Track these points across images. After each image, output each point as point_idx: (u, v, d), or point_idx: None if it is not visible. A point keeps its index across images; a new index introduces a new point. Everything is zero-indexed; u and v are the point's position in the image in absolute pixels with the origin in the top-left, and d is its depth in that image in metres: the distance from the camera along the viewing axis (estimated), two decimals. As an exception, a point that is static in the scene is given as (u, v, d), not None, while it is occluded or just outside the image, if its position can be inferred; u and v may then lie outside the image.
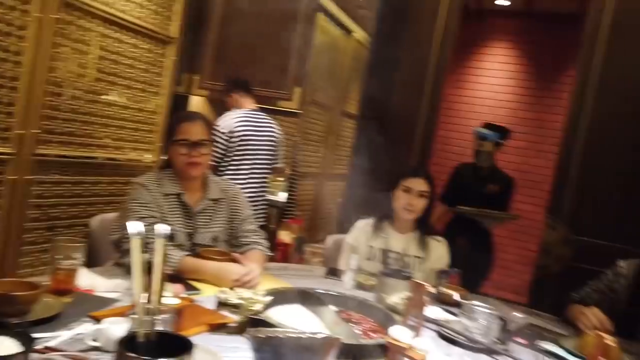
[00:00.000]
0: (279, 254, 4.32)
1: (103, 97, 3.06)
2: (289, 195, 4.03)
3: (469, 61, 5.62)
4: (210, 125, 1.89)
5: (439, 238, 2.20)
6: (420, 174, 2.16)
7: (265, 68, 3.96)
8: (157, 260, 0.86)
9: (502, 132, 3.46)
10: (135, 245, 0.82)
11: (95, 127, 3.05)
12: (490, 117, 5.52)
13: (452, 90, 5.65)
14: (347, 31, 5.12)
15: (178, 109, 4.08)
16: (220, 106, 4.56)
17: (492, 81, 5.57)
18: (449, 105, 5.64)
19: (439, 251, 2.16)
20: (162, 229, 0.86)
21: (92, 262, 1.99)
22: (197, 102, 4.35)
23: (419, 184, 2.11)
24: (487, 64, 5.58)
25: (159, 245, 0.85)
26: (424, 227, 2.17)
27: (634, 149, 3.11)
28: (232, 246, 1.91)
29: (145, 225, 1.63)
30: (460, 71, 5.63)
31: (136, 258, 0.82)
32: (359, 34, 5.37)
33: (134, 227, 0.82)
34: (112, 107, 3.14)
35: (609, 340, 0.93)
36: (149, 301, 0.93)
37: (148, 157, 3.44)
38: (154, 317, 0.86)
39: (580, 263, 3.05)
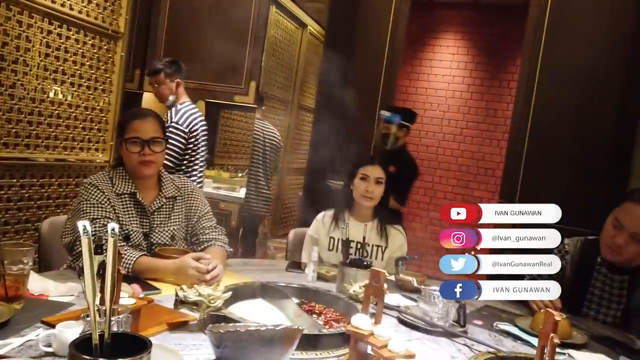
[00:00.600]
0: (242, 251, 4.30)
1: (49, 96, 2.93)
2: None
3: (422, 53, 5.73)
4: (162, 123, 1.84)
5: (398, 227, 2.24)
6: (376, 162, 2.21)
7: (219, 62, 3.90)
8: (110, 259, 0.84)
9: (407, 115, 3.46)
10: (85, 245, 0.79)
11: (42, 127, 2.93)
12: (444, 107, 5.67)
13: (406, 81, 5.75)
14: (301, 24, 5.12)
15: (130, 106, 3.97)
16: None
17: (444, 72, 5.70)
18: (404, 97, 5.74)
19: (398, 239, 2.21)
20: (113, 227, 0.83)
21: (44, 266, 1.92)
22: (149, 99, 4.24)
23: (375, 171, 2.16)
24: (439, 55, 5.71)
25: (110, 244, 0.83)
26: (382, 215, 2.22)
27: (576, 134, 3.27)
28: (191, 244, 1.88)
29: (98, 227, 1.61)
30: (414, 63, 5.73)
31: (87, 258, 0.79)
32: (313, 27, 5.37)
33: (83, 226, 0.79)
34: (60, 106, 3.02)
35: (558, 316, 0.98)
36: (102, 303, 0.90)
37: (100, 157, 3.32)
38: (109, 319, 0.84)
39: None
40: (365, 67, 3.92)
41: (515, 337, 1.49)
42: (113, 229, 0.84)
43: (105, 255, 0.86)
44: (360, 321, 1.12)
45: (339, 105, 3.88)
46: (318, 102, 4.38)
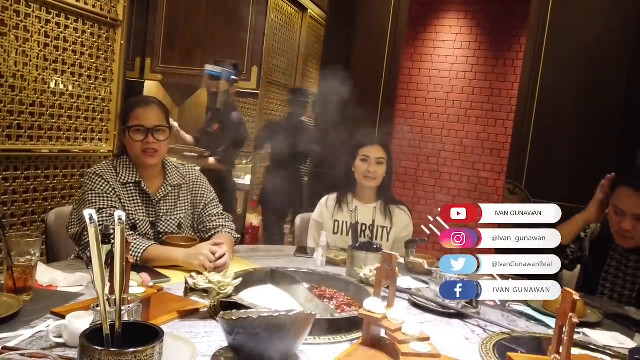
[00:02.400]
0: (249, 237, 4.30)
1: (50, 86, 2.90)
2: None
3: (424, 33, 5.64)
4: (167, 110, 1.81)
5: (402, 207, 2.23)
6: (376, 142, 2.20)
7: (220, 48, 3.86)
8: (118, 248, 0.82)
9: (232, 68, 3.28)
10: (92, 235, 0.77)
11: (44, 119, 2.91)
12: (447, 89, 5.60)
13: (409, 63, 5.67)
14: (302, 8, 5.04)
15: (132, 94, 3.94)
16: (181, 90, 4.44)
17: (448, 52, 5.61)
18: (407, 79, 5.67)
19: (404, 219, 2.19)
20: (120, 215, 0.81)
21: (52, 257, 1.91)
22: (151, 87, 4.21)
23: (376, 151, 2.15)
24: (442, 36, 5.62)
25: (118, 232, 0.81)
26: (386, 195, 2.21)
27: (584, 112, 3.22)
28: (198, 232, 1.87)
29: (105, 216, 1.59)
30: (416, 44, 5.65)
31: (95, 248, 0.78)
32: (313, 10, 5.30)
33: (90, 215, 0.77)
34: (61, 96, 3.00)
35: (576, 295, 0.96)
36: (112, 292, 0.89)
37: (104, 147, 3.31)
38: (119, 308, 0.82)
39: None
40: (368, 49, 3.87)
41: (529, 317, 1.47)
42: (120, 217, 0.82)
43: (113, 245, 0.84)
44: (373, 305, 1.11)
45: (341, 89, 3.84)
46: (321, 85, 4.33)
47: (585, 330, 1.40)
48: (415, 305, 1.47)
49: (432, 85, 5.65)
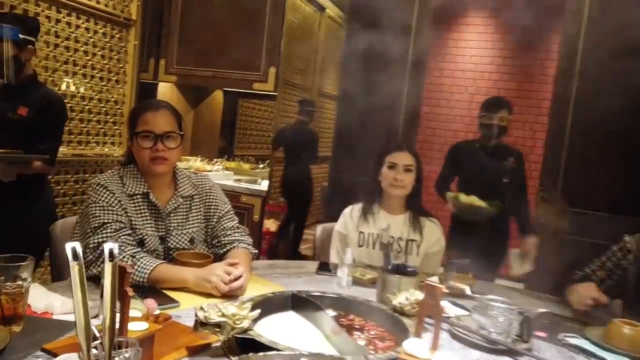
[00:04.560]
0: (266, 242, 4.15)
1: (60, 88, 2.79)
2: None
3: (447, 32, 5.44)
4: (178, 115, 1.65)
5: (433, 219, 2.05)
6: (404, 148, 2.04)
7: (236, 48, 3.71)
8: (108, 286, 0.66)
9: (26, 26, 2.18)
10: (75, 274, 0.62)
11: (54, 122, 2.79)
12: (472, 90, 5.39)
13: (432, 64, 5.47)
14: (320, 8, 4.88)
15: (146, 97, 3.81)
16: (196, 93, 4.32)
17: (472, 52, 5.41)
18: (429, 79, 5.47)
19: (434, 233, 2.01)
20: (110, 248, 0.66)
21: (57, 272, 1.77)
22: (165, 89, 4.08)
23: (404, 158, 1.98)
24: (466, 35, 5.42)
25: (108, 270, 0.65)
26: (415, 206, 2.03)
27: (623, 115, 2.98)
28: (212, 247, 1.71)
29: (110, 232, 1.44)
30: (439, 44, 5.45)
31: (79, 290, 0.62)
32: (331, 10, 5.14)
33: (72, 248, 0.62)
34: (72, 99, 2.88)
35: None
36: (102, 337, 0.73)
37: (117, 151, 3.19)
38: (111, 358, 0.66)
39: (575, 235, 2.95)
40: (390, 49, 3.68)
41: (589, 354, 1.28)
42: (111, 251, 0.66)
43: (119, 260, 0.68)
44: (415, 347, 0.93)
45: (363, 90, 3.66)
46: (341, 88, 4.17)
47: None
48: (456, 337, 1.28)
49: (456, 87, 5.45)
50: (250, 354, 0.87)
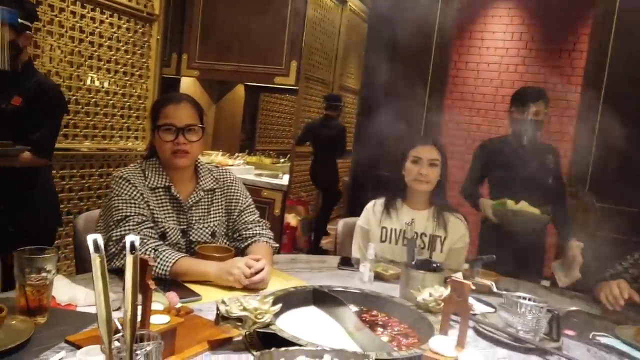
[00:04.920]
0: (287, 237, 4.15)
1: (85, 83, 2.82)
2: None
3: (472, 24, 5.33)
4: (200, 109, 1.65)
5: (458, 215, 2.00)
6: (428, 142, 1.99)
7: (258, 43, 3.70)
8: (129, 279, 0.65)
9: (23, 8, 1.98)
10: (96, 265, 0.61)
11: (79, 117, 2.83)
12: (496, 83, 5.28)
13: (455, 56, 5.38)
14: (341, 1, 4.84)
15: (168, 91, 3.84)
16: (218, 87, 4.33)
17: (497, 44, 5.29)
18: (453, 72, 5.38)
19: (460, 229, 1.97)
20: (132, 240, 0.65)
21: (80, 265, 1.79)
22: (188, 84, 4.11)
23: (428, 152, 1.93)
24: (491, 27, 5.30)
25: (130, 261, 0.64)
26: (440, 202, 1.98)
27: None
28: (233, 240, 1.70)
29: (132, 225, 1.45)
30: (463, 36, 5.35)
31: (99, 281, 0.61)
32: (353, 3, 5.09)
33: (93, 240, 0.61)
34: (97, 93, 2.91)
35: None
36: (124, 330, 0.72)
37: (140, 145, 3.22)
38: (131, 353, 0.66)
39: (604, 232, 2.86)
40: (413, 43, 3.62)
41: (621, 354, 1.23)
42: (132, 244, 0.65)
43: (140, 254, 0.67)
44: (441, 345, 0.91)
45: (385, 84, 3.62)
46: (363, 83, 4.13)
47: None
48: (482, 334, 1.25)
49: (480, 80, 5.34)
50: (272, 349, 0.86)
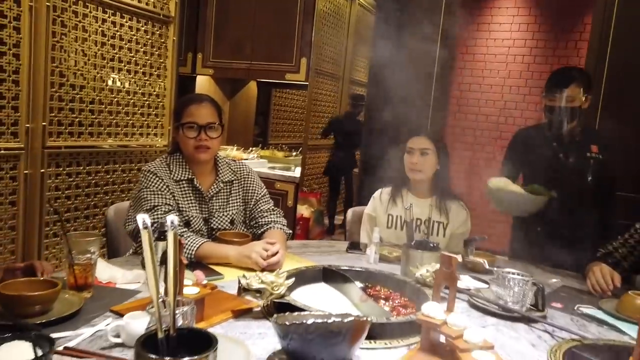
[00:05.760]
0: (300, 228, 4.31)
1: (107, 84, 3.00)
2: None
3: (479, 17, 5.41)
4: (219, 108, 1.81)
5: (460, 202, 2.14)
6: (420, 133, 2.13)
7: (269, 41, 3.85)
8: (171, 252, 0.81)
9: None
10: (145, 239, 0.77)
11: (103, 115, 3.01)
12: (504, 74, 5.36)
13: (463, 48, 5.46)
14: (350, -4, 4.94)
15: (185, 89, 4.01)
16: (231, 84, 4.49)
17: (504, 35, 5.36)
18: (461, 64, 5.47)
19: (461, 215, 2.10)
20: (172, 219, 0.80)
21: (112, 251, 1.98)
22: (203, 82, 4.27)
23: (420, 142, 2.07)
24: (497, 18, 5.37)
25: (171, 237, 0.80)
26: (441, 190, 2.12)
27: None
28: (250, 227, 1.87)
29: (160, 214, 1.62)
30: (470, 28, 5.43)
31: (148, 252, 0.77)
32: (362, -2, 5.18)
33: (142, 220, 0.77)
34: (118, 93, 3.09)
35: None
36: (166, 295, 0.88)
37: (159, 142, 3.39)
38: (173, 316, 0.81)
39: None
40: (419, 35, 3.74)
41: (600, 322, 1.37)
42: (172, 222, 0.80)
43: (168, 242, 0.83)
44: (432, 309, 1.05)
45: (392, 77, 3.74)
46: (370, 75, 4.25)
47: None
48: (475, 307, 1.39)
49: (488, 71, 5.42)
50: (287, 313, 1.02)
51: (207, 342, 0.77)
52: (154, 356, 0.70)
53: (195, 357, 0.71)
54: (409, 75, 3.70)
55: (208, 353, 0.73)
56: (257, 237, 1.83)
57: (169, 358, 0.71)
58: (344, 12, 4.78)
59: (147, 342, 0.75)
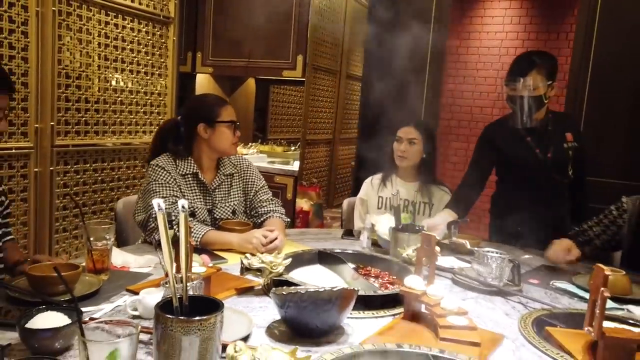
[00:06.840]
0: (300, 221, 4.43)
1: (111, 84, 3.12)
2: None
3: (471, 10, 5.52)
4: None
5: (443, 187, 2.29)
6: (409, 123, 2.30)
7: (266, 39, 3.97)
8: (182, 232, 0.94)
9: None
10: (161, 221, 0.89)
11: (107, 114, 3.13)
12: (497, 66, 5.47)
13: (456, 42, 5.57)
14: (345, -8, 5.04)
15: (185, 88, 4.14)
16: (230, 82, 4.61)
17: (497, 28, 5.47)
18: (455, 57, 5.58)
19: (444, 199, 2.25)
20: (183, 203, 0.93)
21: (121, 241, 2.11)
22: (203, 80, 4.39)
23: (408, 132, 2.26)
24: (490, 11, 5.48)
25: (182, 219, 0.93)
26: (426, 176, 2.29)
27: (635, 88, 3.10)
28: (251, 217, 2.00)
29: (168, 204, 1.75)
30: (463, 21, 5.54)
31: (163, 232, 0.90)
32: (356, -7, 5.28)
33: (158, 204, 0.89)
34: (122, 93, 3.21)
35: (609, 270, 0.99)
36: (178, 271, 1.01)
37: (161, 139, 3.51)
38: (186, 284, 0.94)
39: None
40: (412, 29, 3.85)
41: (572, 295, 1.50)
42: (183, 206, 0.93)
43: (176, 230, 0.96)
44: (414, 282, 1.18)
45: (386, 70, 3.85)
46: (365, 69, 4.36)
47: (630, 307, 1.41)
48: (458, 283, 1.52)
49: (481, 64, 5.54)
50: (284, 287, 1.15)
51: (215, 307, 0.90)
52: (171, 316, 0.83)
53: (205, 317, 0.84)
54: (403, 68, 3.81)
55: (217, 314, 0.86)
56: (258, 225, 1.96)
57: (183, 317, 0.84)
58: (339, 7, 4.89)
59: (164, 307, 0.88)
